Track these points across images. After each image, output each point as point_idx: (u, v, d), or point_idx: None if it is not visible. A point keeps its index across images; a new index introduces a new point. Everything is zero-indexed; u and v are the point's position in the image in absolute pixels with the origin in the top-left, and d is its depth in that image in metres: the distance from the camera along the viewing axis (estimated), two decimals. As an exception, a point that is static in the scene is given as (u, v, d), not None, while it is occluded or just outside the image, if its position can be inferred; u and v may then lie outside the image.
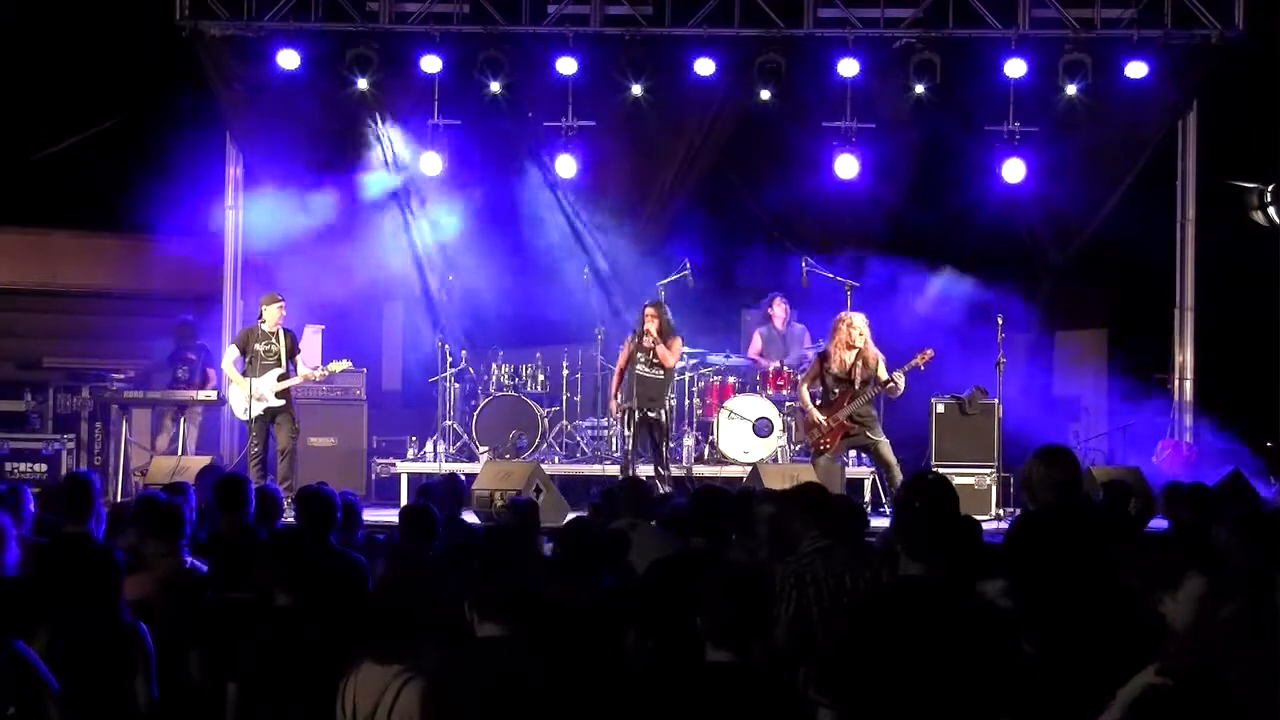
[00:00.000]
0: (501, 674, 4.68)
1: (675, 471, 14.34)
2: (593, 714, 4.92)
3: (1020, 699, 4.53)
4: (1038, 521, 6.17)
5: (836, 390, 12.67)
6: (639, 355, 13.42)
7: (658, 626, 6.15)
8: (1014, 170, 15.13)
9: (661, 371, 13.43)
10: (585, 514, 9.41)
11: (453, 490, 9.23)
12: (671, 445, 13.90)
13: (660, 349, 13.31)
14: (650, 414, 13.42)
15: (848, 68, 15.13)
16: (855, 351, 12.58)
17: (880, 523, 10.49)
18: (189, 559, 6.84)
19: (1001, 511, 13.64)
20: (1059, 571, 5.87)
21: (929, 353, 12.72)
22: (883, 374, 12.60)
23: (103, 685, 5.59)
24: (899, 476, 12.51)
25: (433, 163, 15.44)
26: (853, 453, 14.50)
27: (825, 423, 12.63)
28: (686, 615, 4.84)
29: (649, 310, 13.49)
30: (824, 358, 12.80)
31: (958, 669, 4.39)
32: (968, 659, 4.40)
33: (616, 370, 13.72)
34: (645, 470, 13.68)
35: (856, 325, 12.63)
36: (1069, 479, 6.09)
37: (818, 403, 12.74)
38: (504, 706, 4.65)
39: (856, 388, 12.58)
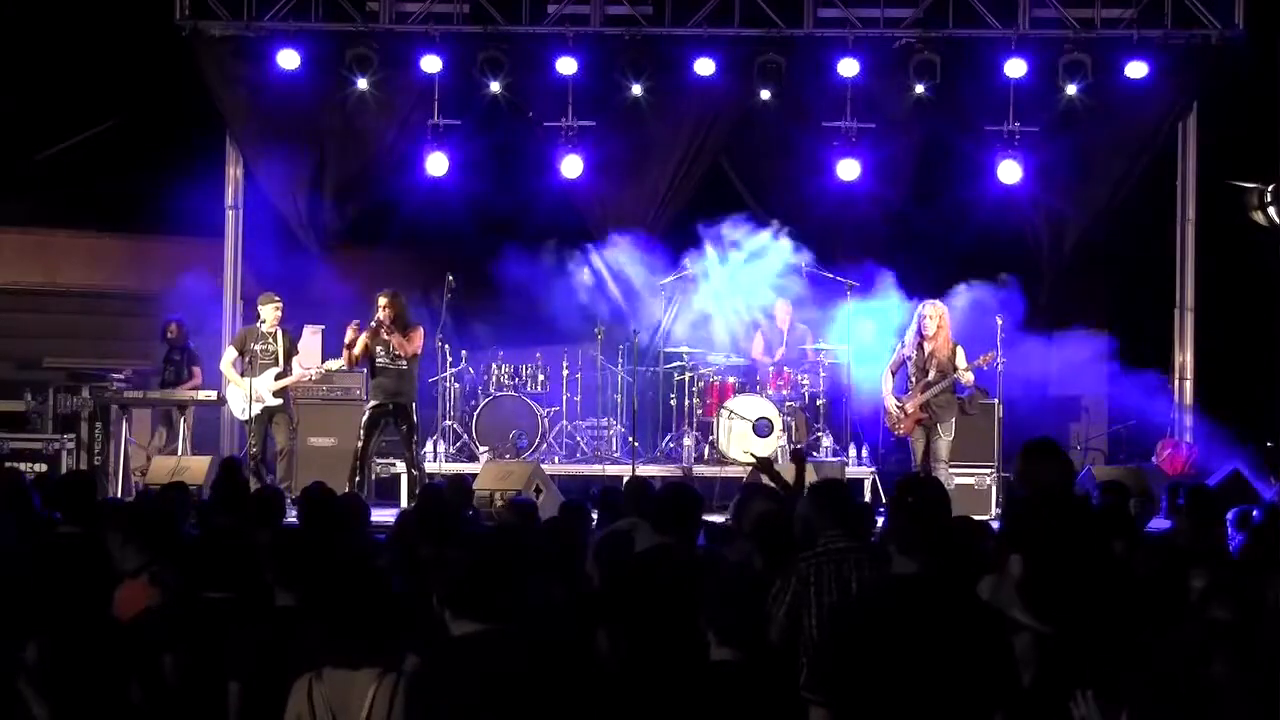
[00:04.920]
0: (488, 672, 4.66)
1: (669, 471, 14.34)
2: (593, 713, 4.92)
3: (1013, 696, 4.53)
4: (1033, 502, 6.19)
5: (914, 379, 12.93)
6: (378, 348, 13.20)
7: (627, 625, 6.09)
8: (1013, 170, 15.12)
9: (404, 363, 13.18)
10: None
11: (458, 491, 9.24)
12: (417, 441, 13.48)
13: (396, 339, 13.05)
14: (386, 407, 13.21)
15: (848, 68, 15.13)
16: (929, 342, 12.85)
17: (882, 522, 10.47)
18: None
19: (1001, 511, 13.63)
20: (1059, 546, 5.88)
21: (992, 355, 13.10)
22: (961, 363, 12.84)
23: (100, 685, 5.58)
24: (944, 477, 12.70)
25: (438, 163, 15.42)
26: (853, 451, 14.59)
27: (899, 410, 12.90)
28: (656, 612, 4.84)
29: (382, 300, 13.19)
30: (903, 345, 13.04)
31: (950, 667, 4.40)
32: (960, 657, 4.41)
33: (349, 360, 13.41)
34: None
35: (931, 317, 12.86)
36: (1053, 472, 6.10)
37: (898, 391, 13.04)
38: (492, 705, 4.63)
39: (930, 377, 12.81)
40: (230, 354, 13.83)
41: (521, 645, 4.80)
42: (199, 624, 5.74)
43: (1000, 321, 13.78)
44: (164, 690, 5.60)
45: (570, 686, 4.89)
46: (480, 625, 4.80)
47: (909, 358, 12.94)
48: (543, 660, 4.83)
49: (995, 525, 12.01)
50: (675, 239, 15.96)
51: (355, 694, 4.74)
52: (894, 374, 13.08)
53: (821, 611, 5.95)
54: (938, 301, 13.07)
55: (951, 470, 13.06)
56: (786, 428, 14.58)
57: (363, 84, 15.27)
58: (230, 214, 15.97)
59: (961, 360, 12.88)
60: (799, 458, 8.56)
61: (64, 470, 13.70)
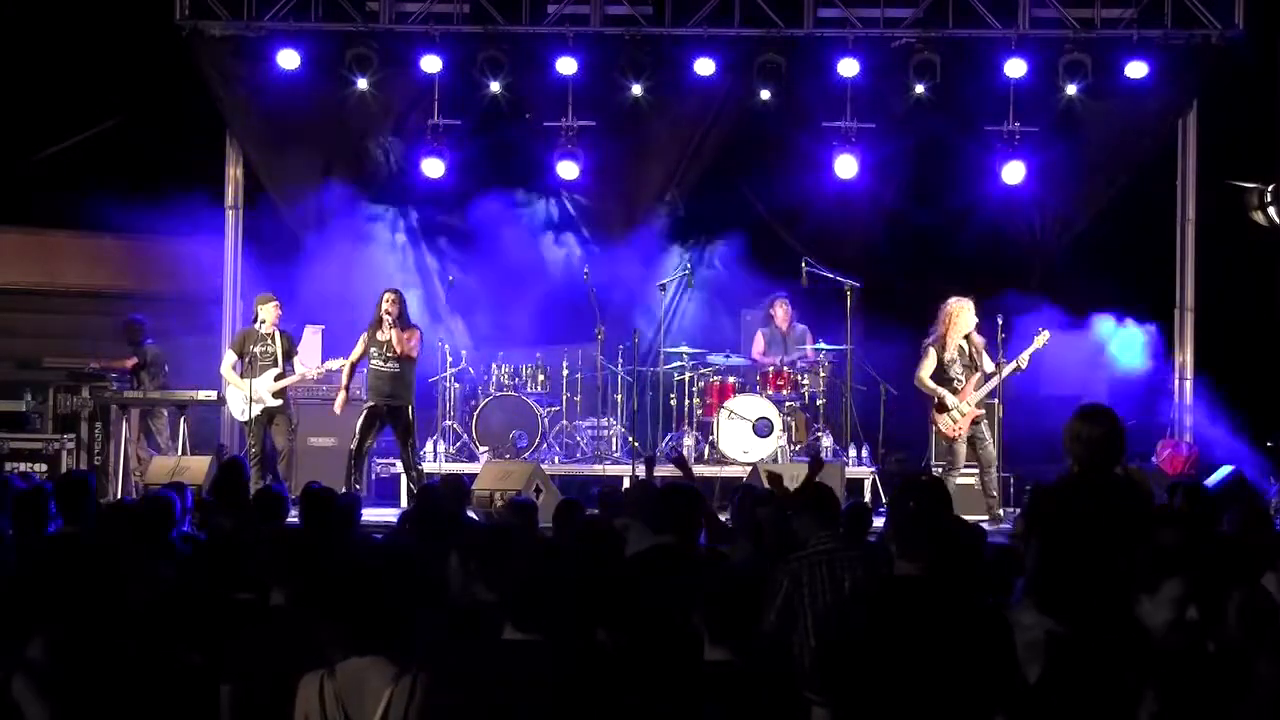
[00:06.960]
0: (527, 678, 4.62)
1: (669, 471, 14.32)
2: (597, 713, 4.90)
3: (1014, 697, 4.53)
4: (1060, 488, 6.13)
5: (962, 377, 12.89)
6: (372, 349, 13.20)
7: (627, 623, 6.07)
8: (1013, 170, 15.12)
9: (397, 365, 13.13)
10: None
11: (456, 490, 9.23)
12: (413, 444, 13.39)
13: (396, 334, 13.02)
14: (382, 409, 13.14)
15: (848, 68, 15.13)
16: (965, 338, 12.90)
17: (880, 522, 10.46)
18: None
19: (1001, 512, 13.62)
20: (1077, 540, 5.82)
21: (1045, 335, 13.09)
22: (987, 361, 12.93)
23: (102, 687, 5.58)
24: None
25: (435, 166, 15.42)
26: (853, 452, 14.59)
27: (959, 409, 12.81)
28: (658, 611, 4.83)
29: (389, 295, 13.19)
30: (941, 346, 12.92)
31: (951, 668, 4.40)
32: (961, 658, 4.41)
33: (348, 364, 13.43)
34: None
35: (969, 313, 12.90)
36: (1102, 435, 6.04)
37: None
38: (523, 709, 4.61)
39: (987, 370, 12.91)
40: (230, 357, 13.83)
41: (550, 651, 4.77)
42: (191, 624, 5.75)
43: (1000, 322, 13.78)
44: (155, 689, 5.60)
45: (583, 690, 4.88)
46: (532, 635, 4.73)
47: (953, 360, 12.88)
48: (566, 666, 4.82)
49: (989, 525, 12.07)
50: (675, 238, 15.97)
51: (369, 692, 4.70)
52: (932, 375, 12.93)
53: (816, 611, 5.97)
54: (966, 299, 13.03)
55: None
56: (786, 428, 14.58)
57: (363, 84, 15.27)
58: (230, 214, 15.99)
59: (987, 358, 12.97)
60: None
61: (64, 470, 13.71)
